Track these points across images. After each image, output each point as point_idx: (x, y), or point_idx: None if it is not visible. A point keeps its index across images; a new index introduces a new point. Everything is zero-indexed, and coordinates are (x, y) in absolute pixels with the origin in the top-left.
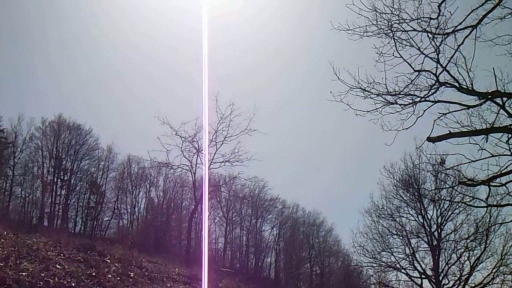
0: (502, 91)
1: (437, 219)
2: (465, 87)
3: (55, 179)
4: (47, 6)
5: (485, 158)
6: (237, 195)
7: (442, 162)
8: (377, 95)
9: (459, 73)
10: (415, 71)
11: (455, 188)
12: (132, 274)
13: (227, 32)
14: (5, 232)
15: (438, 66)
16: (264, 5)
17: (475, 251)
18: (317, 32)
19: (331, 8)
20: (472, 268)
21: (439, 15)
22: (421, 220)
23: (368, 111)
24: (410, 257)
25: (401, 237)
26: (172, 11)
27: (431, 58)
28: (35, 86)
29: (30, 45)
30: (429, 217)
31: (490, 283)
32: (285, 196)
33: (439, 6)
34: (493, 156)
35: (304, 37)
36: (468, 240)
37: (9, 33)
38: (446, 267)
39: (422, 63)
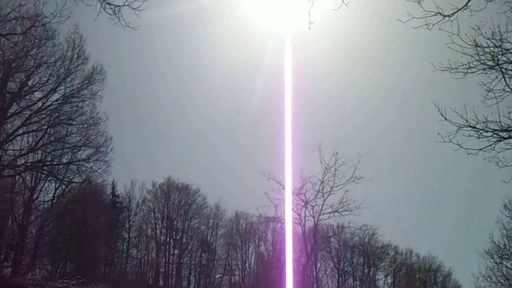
0: None
1: None
2: None
3: (168, 239)
4: (154, 75)
5: None
6: (347, 245)
7: None
8: (492, 131)
9: None
10: None
11: None
12: None
13: (326, 79)
14: None
15: None
16: (359, 47)
17: None
18: (418, 74)
19: (432, 49)
20: None
21: None
22: None
23: (481, 149)
24: None
25: None
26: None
27: None
28: (145, 151)
29: (135, 114)
30: None
31: None
32: (396, 242)
33: None
34: None
35: (408, 80)
36: None
37: (115, 105)
38: None
39: None
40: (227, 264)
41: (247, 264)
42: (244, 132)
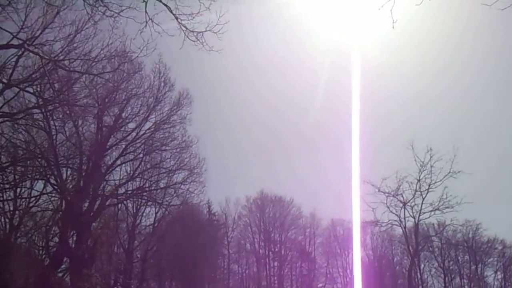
0: None
1: None
2: None
3: (267, 252)
4: (233, 91)
5: None
6: (451, 242)
7: None
8: None
9: None
10: None
11: None
12: None
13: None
14: None
15: None
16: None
17: None
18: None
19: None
20: None
21: None
22: None
23: None
24: None
25: None
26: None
27: None
28: (235, 168)
29: (221, 133)
30: None
31: None
32: (503, 236)
33: None
34: None
35: (493, 64)
36: None
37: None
38: None
39: None
40: (328, 272)
41: (348, 271)
42: (327, 137)
